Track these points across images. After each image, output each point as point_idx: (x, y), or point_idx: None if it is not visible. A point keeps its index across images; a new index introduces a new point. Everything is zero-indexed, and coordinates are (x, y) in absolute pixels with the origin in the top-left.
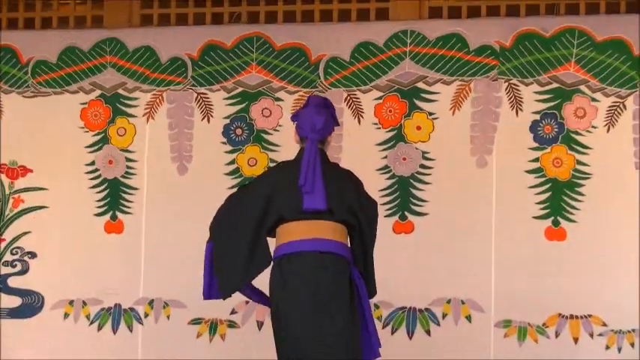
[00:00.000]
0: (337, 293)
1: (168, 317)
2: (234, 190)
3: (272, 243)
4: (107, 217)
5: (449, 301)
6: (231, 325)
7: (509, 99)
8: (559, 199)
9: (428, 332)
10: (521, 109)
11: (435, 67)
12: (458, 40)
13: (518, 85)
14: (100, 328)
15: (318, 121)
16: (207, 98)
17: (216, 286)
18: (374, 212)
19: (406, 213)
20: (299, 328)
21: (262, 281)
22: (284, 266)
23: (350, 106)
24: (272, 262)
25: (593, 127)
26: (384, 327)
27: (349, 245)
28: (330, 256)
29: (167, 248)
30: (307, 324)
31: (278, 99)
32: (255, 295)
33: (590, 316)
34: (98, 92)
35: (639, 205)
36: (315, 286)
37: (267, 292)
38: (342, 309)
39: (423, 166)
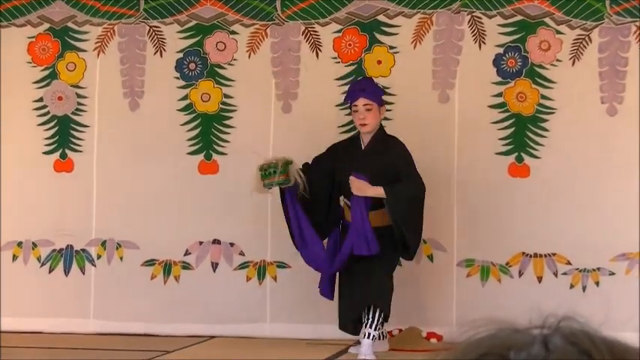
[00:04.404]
0: None
1: (121, 258)
2: (188, 125)
3: None
4: (56, 155)
5: None
6: (186, 266)
7: (472, 32)
8: (523, 134)
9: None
10: (484, 43)
11: (395, 0)
12: None
13: (481, 18)
14: (51, 270)
15: None
16: (160, 32)
17: None
18: None
19: None
20: None
21: None
22: None
23: (308, 39)
24: None
25: (557, 60)
26: None
27: None
28: None
29: (119, 187)
30: None
31: (233, 32)
32: None
33: (554, 254)
34: (46, 26)
35: (605, 140)
36: None
37: None
38: None
39: (385, 111)
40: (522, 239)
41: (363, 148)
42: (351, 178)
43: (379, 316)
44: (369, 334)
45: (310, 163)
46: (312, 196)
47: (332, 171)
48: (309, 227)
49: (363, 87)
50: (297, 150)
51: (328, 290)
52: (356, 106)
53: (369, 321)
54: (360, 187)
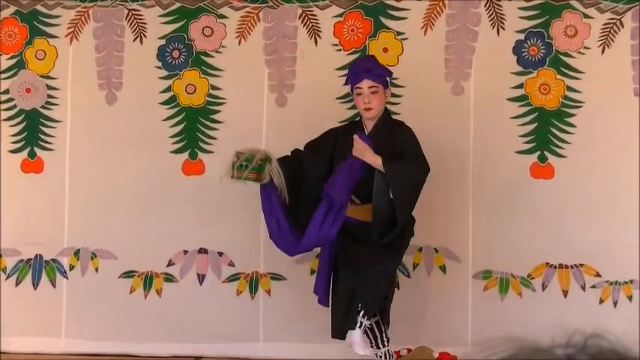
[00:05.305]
0: None
1: (96, 270)
2: (171, 120)
3: None
4: (24, 154)
5: (420, 249)
6: (169, 278)
7: (490, 16)
8: (546, 130)
9: (396, 284)
10: (503, 28)
11: None
12: None
13: (499, 0)
14: (18, 282)
15: None
16: (140, 16)
17: None
18: None
19: None
20: None
21: None
22: None
23: (305, 24)
24: None
25: (585, 47)
26: None
27: None
28: None
29: (95, 190)
30: None
31: (221, 16)
32: None
33: (581, 265)
34: (13, 9)
35: (639, 137)
36: None
37: None
38: None
39: (390, 94)
40: (546, 248)
41: (366, 133)
42: (355, 137)
43: (368, 310)
44: (360, 323)
45: (303, 149)
46: (306, 189)
47: (330, 159)
48: (286, 224)
49: (367, 67)
50: (293, 148)
51: (324, 297)
52: (360, 88)
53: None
54: (361, 150)
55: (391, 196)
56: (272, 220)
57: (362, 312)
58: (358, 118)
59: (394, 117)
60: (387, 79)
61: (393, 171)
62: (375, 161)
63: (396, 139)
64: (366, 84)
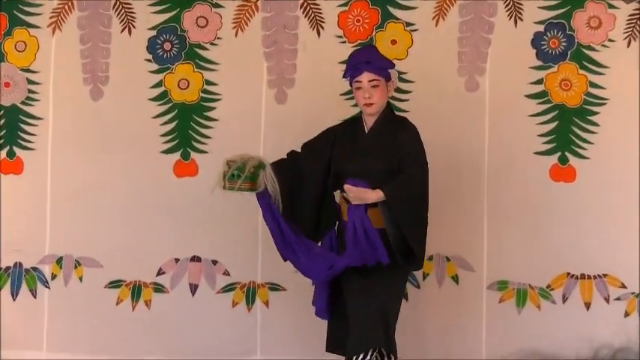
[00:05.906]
0: None
1: (80, 279)
2: (163, 118)
3: None
4: (2, 153)
5: (431, 258)
6: (158, 289)
7: (507, 6)
8: (567, 130)
9: (405, 296)
10: (520, 19)
11: None
12: None
13: None
14: None
15: None
16: (129, 4)
17: None
18: None
19: None
20: None
21: None
22: None
23: (307, 14)
24: None
25: (610, 40)
26: None
27: None
28: None
29: (79, 193)
30: None
31: (217, 5)
32: None
33: (605, 275)
34: None
35: None
36: None
37: None
38: None
39: (399, 90)
40: (567, 257)
41: (366, 131)
42: (346, 186)
43: (372, 353)
44: None
45: (300, 150)
46: (305, 194)
47: (328, 161)
48: (290, 232)
49: (367, 58)
50: (293, 147)
51: (323, 308)
52: (359, 82)
53: (361, 356)
54: (359, 196)
55: (396, 223)
56: (277, 232)
57: (359, 357)
58: (359, 115)
59: (401, 114)
60: (390, 71)
61: (395, 199)
62: (379, 196)
63: (397, 137)
64: (366, 77)
